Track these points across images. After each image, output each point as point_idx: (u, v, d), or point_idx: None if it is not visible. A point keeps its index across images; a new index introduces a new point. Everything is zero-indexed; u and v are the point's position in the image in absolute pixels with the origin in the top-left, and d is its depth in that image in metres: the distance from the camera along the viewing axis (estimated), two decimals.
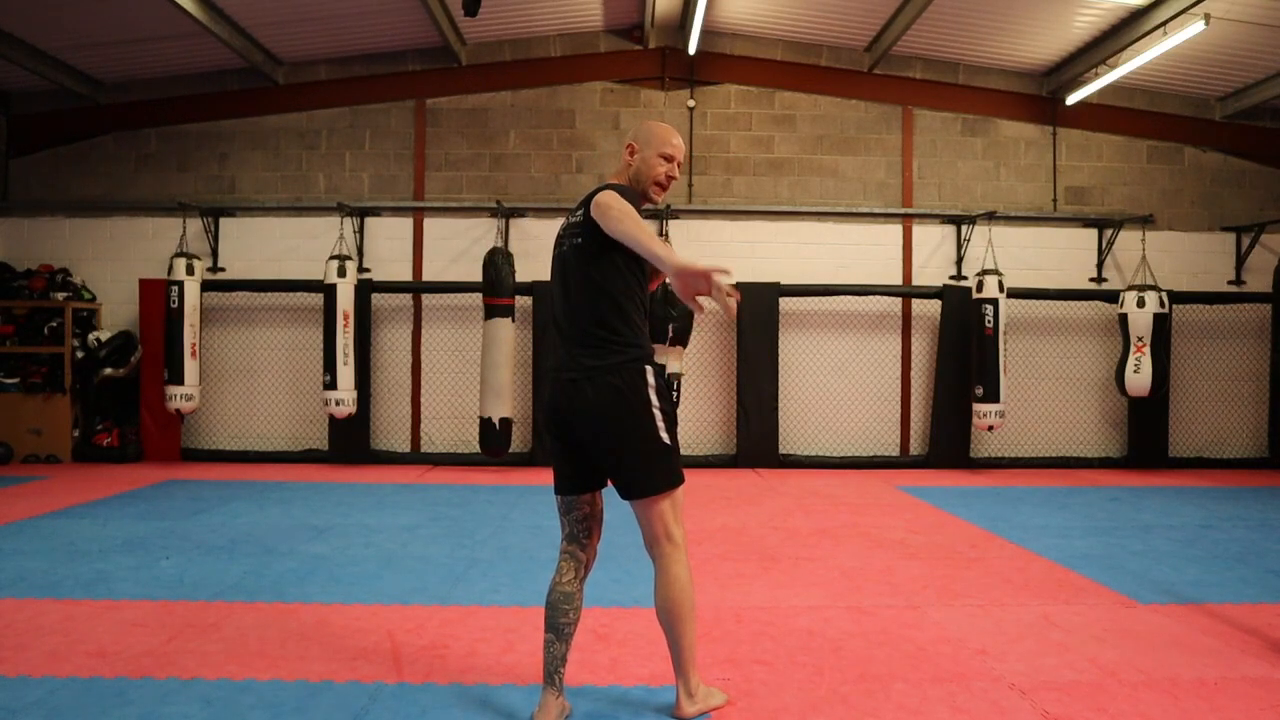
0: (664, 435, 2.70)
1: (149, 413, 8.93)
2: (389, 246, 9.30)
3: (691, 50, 8.84)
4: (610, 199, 2.59)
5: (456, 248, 9.29)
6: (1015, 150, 9.54)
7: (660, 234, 8.91)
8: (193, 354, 8.55)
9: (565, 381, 2.73)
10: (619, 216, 2.53)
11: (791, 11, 8.71)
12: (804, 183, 9.45)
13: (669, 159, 2.84)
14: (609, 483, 2.84)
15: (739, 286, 8.97)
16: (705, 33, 8.92)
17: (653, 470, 2.70)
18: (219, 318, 9.19)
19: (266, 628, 3.69)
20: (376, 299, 9.11)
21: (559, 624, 2.78)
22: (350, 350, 8.50)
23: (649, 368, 2.72)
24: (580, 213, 2.73)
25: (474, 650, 3.45)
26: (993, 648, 3.55)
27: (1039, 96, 9.49)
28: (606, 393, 2.66)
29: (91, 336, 8.96)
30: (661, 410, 2.71)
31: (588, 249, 2.69)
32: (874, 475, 8.61)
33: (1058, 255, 9.47)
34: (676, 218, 9.26)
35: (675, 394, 8.27)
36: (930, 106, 9.48)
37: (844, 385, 9.34)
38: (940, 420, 9.12)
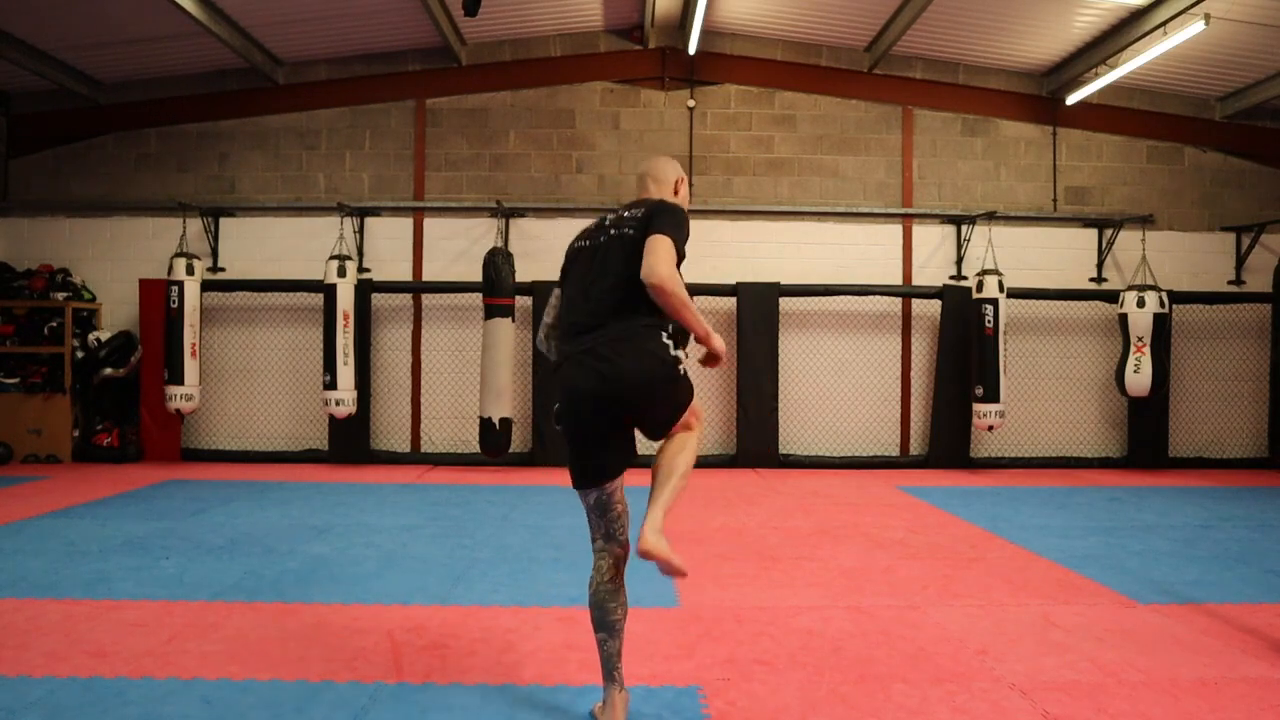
0: (684, 371, 2.80)
1: (149, 413, 8.93)
2: (389, 246, 9.30)
3: (691, 50, 8.83)
4: (675, 279, 2.71)
5: (456, 248, 9.28)
6: (1015, 150, 9.54)
7: None
8: (193, 354, 8.55)
9: (599, 359, 2.74)
10: (680, 298, 2.71)
11: (791, 11, 8.71)
12: (804, 183, 9.44)
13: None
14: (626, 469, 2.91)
15: (739, 286, 9.06)
16: (705, 33, 8.91)
17: (681, 405, 2.81)
18: (219, 318, 9.19)
19: (266, 628, 3.69)
20: (376, 299, 9.11)
21: (610, 621, 2.79)
22: (350, 350, 8.50)
23: (663, 332, 2.79)
24: (640, 212, 2.86)
25: (474, 650, 3.45)
26: (993, 648, 3.55)
27: (1039, 96, 9.49)
28: (644, 358, 2.73)
29: (91, 336, 8.96)
30: (678, 359, 2.80)
31: (639, 243, 2.79)
32: (874, 475, 8.60)
33: (1058, 255, 9.47)
34: None
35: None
36: (930, 106, 9.47)
37: (844, 385, 9.33)
38: (940, 420, 9.11)
